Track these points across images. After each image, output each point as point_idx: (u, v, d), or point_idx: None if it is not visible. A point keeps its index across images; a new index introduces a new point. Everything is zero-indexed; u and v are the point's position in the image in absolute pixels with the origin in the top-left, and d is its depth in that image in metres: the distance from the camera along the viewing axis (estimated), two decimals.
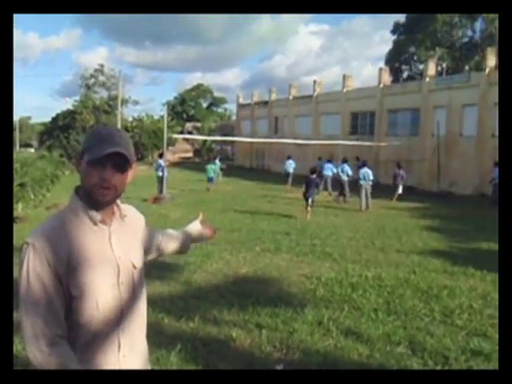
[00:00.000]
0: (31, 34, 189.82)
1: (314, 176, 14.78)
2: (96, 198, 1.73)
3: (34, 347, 1.64)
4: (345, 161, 20.61)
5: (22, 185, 12.77)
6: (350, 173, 19.78)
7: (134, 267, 1.87)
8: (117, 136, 1.75)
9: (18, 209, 13.69)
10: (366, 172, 17.85)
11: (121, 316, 1.80)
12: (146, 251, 2.06)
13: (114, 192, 1.75)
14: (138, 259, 1.90)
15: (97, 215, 1.77)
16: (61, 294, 1.68)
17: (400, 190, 20.04)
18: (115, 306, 1.78)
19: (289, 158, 26.99)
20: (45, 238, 1.70)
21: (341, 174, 19.98)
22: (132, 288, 1.85)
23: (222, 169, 28.66)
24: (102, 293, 1.73)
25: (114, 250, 1.79)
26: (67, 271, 1.68)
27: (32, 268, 1.66)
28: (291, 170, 25.83)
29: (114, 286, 1.77)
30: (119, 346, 1.80)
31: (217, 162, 27.25)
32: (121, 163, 1.73)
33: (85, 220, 1.77)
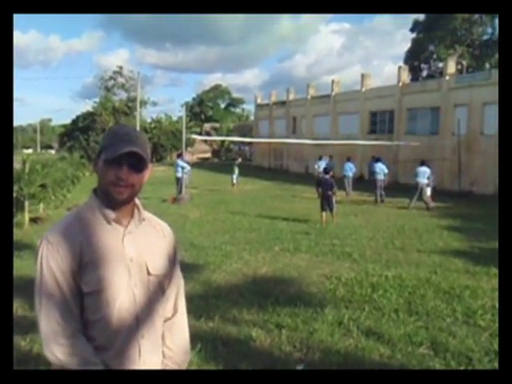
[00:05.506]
0: (53, 37, 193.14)
1: (328, 176, 13.87)
2: (112, 197, 1.74)
3: (52, 343, 1.64)
4: (378, 160, 19.89)
5: (43, 186, 12.97)
6: (386, 171, 19.14)
7: (149, 273, 1.82)
8: (133, 136, 1.76)
9: (40, 209, 13.90)
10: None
11: (137, 320, 1.77)
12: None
13: (130, 190, 1.75)
14: (156, 266, 1.84)
15: (111, 214, 1.77)
16: (74, 290, 1.69)
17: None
18: (130, 309, 1.76)
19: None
20: (59, 233, 1.72)
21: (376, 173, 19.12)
22: (147, 293, 1.81)
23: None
24: (113, 291, 1.72)
25: (125, 251, 1.77)
26: (80, 267, 1.69)
27: (46, 263, 1.68)
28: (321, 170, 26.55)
29: (127, 286, 1.75)
30: (140, 352, 1.77)
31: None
32: (137, 163, 1.74)
33: (99, 218, 1.77)
